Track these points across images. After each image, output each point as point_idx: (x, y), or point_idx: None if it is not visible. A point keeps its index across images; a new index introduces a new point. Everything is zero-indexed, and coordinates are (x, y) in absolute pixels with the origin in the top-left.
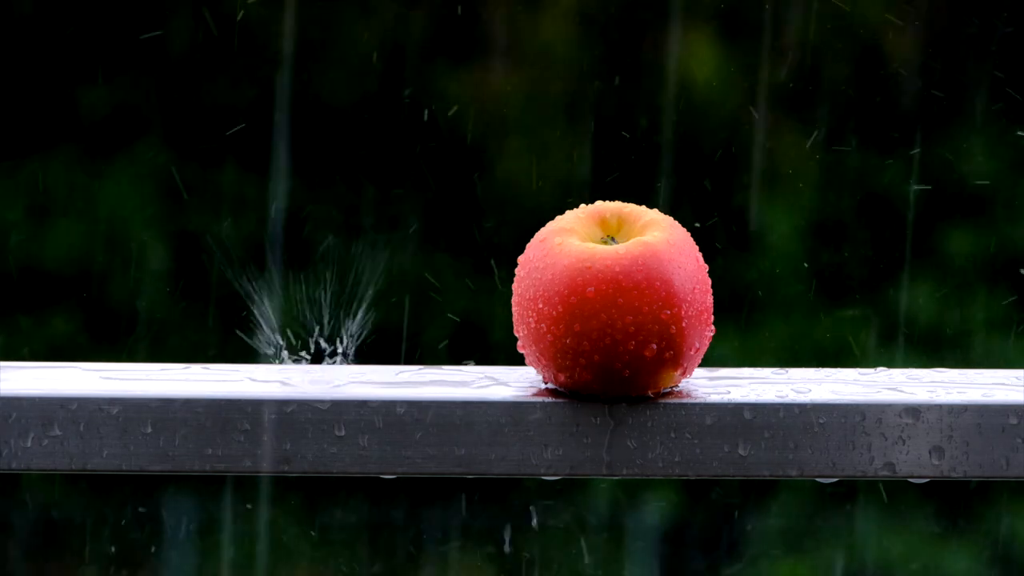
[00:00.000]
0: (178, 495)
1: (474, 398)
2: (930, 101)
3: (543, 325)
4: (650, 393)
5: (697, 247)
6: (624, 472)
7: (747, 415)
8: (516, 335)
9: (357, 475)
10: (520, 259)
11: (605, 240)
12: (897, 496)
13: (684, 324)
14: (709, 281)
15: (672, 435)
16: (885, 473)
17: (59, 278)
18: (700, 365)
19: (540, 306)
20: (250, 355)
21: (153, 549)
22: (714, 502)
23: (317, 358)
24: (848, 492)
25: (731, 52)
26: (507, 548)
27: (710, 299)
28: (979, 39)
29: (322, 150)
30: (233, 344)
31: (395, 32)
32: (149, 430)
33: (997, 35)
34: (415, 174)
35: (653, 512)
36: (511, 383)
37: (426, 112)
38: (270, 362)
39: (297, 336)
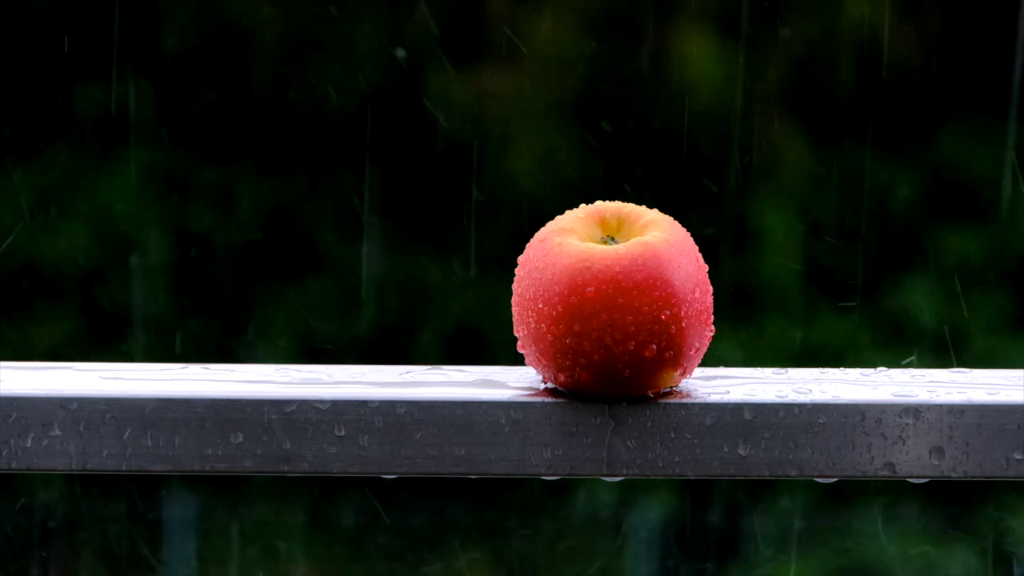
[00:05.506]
0: (178, 495)
1: (474, 398)
2: (930, 101)
3: (543, 325)
4: (650, 393)
5: (697, 247)
6: (624, 472)
7: (747, 415)
8: (516, 335)
9: (357, 475)
10: (520, 259)
11: (605, 240)
12: (897, 496)
13: (684, 324)
14: (709, 281)
15: (672, 435)
16: (885, 473)
17: (59, 278)
18: (700, 365)
19: (540, 306)
20: (250, 355)
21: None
22: (714, 502)
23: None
24: (848, 492)
25: (731, 52)
26: (506, 548)
27: (710, 299)
28: (979, 39)
29: (322, 149)
30: (233, 344)
31: (397, 32)
32: (149, 430)
33: (996, 35)
34: (415, 173)
35: (653, 512)
36: (511, 383)
37: (427, 112)
38: (270, 362)
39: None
